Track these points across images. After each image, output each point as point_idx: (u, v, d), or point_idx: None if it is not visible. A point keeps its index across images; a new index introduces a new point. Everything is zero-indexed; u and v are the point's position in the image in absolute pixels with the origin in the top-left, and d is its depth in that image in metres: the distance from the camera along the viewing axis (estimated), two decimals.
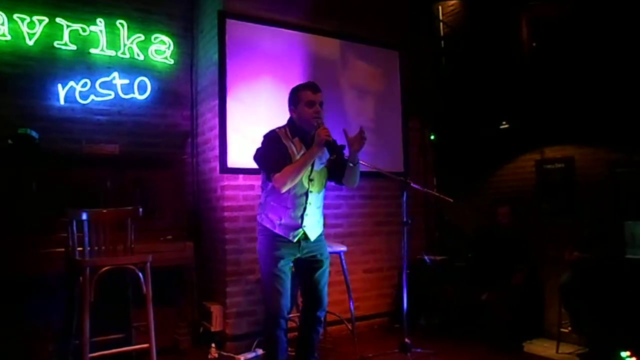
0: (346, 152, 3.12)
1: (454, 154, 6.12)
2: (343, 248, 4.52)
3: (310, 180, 3.13)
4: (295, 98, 3.16)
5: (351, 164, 3.13)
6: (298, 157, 3.06)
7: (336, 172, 3.23)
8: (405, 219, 3.79)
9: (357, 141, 3.06)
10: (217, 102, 4.75)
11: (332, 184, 3.34)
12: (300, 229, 3.13)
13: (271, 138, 3.13)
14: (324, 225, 3.32)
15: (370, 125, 5.50)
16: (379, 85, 5.59)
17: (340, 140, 3.09)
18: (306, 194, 3.12)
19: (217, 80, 4.73)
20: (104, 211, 3.67)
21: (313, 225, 3.19)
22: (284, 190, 3.02)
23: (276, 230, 3.13)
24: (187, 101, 5.27)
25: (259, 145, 3.17)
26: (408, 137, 5.79)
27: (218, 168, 4.73)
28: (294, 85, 3.23)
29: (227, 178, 4.71)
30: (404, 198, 3.78)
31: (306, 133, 3.12)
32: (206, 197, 5.10)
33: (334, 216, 5.23)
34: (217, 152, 4.76)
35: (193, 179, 5.24)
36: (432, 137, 6.27)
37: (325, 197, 3.25)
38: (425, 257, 5.41)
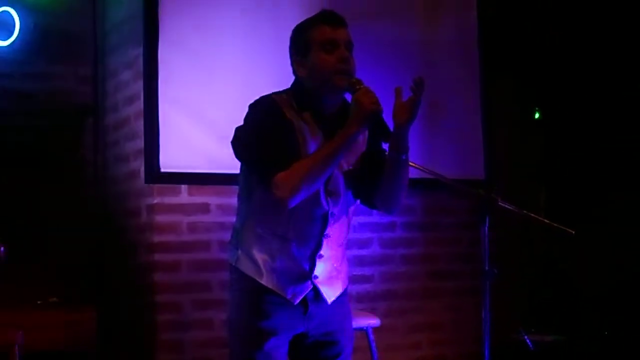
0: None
1: (577, 144, 6.12)
2: (373, 320, 4.51)
3: (330, 193, 3.13)
4: (302, 42, 3.12)
5: (395, 154, 3.11)
6: (311, 143, 3.05)
7: (368, 179, 3.23)
8: (487, 267, 3.78)
9: (406, 106, 3.03)
10: (141, 50, 4.79)
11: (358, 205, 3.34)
12: (309, 282, 3.14)
13: (267, 108, 3.07)
14: (348, 277, 3.33)
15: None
16: (434, 23, 5.64)
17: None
18: (323, 219, 3.13)
19: (143, 10, 4.76)
20: None
21: (331, 276, 3.20)
22: (292, 203, 2.98)
23: (264, 282, 3.11)
24: (87, 50, 5.31)
25: (242, 122, 3.16)
26: (492, 116, 5.81)
27: (143, 173, 4.77)
28: (300, 22, 3.24)
29: (160, 192, 4.76)
30: (486, 228, 3.78)
31: (323, 104, 3.13)
32: (121, 226, 5.12)
33: (357, 261, 5.23)
34: (141, 143, 4.80)
35: (97, 192, 5.27)
36: (537, 115, 6.27)
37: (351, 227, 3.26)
38: (526, 337, 5.39)
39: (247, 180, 3.13)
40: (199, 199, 4.82)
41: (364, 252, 5.31)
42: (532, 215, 4.44)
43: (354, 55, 3.15)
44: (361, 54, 5.21)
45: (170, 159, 4.73)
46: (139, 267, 4.88)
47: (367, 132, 3.11)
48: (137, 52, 4.86)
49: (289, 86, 3.16)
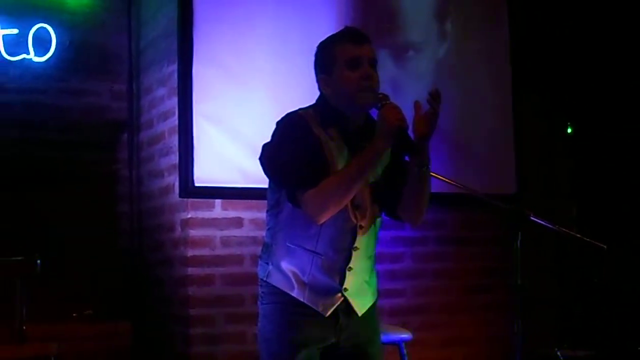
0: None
1: (610, 159, 6.13)
2: (405, 335, 4.52)
3: (357, 207, 3.16)
4: (326, 59, 3.14)
5: (417, 167, 3.14)
6: (338, 158, 3.07)
7: (391, 191, 3.25)
8: (519, 282, 3.78)
9: (424, 119, 3.06)
10: (176, 67, 4.85)
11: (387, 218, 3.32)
12: (340, 294, 3.16)
13: (295, 125, 3.07)
14: (378, 289, 3.36)
15: (449, 106, 5.54)
16: (464, 39, 5.68)
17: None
18: (352, 233, 3.15)
19: (177, 26, 4.82)
20: None
21: (361, 288, 3.20)
22: (322, 219, 3.01)
23: (295, 295, 3.14)
24: (122, 66, 5.36)
25: (270, 138, 3.18)
26: (523, 130, 5.82)
27: (177, 188, 4.82)
28: (323, 39, 3.27)
29: (194, 206, 4.80)
30: (518, 243, 3.78)
31: (348, 120, 3.15)
32: (155, 241, 5.17)
33: (389, 275, 5.24)
34: (175, 159, 4.85)
35: (132, 207, 5.32)
36: (570, 130, 6.26)
37: (379, 240, 3.27)
38: (558, 352, 5.37)
39: (275, 196, 3.15)
40: (232, 214, 4.85)
41: (396, 266, 5.32)
42: (564, 229, 4.43)
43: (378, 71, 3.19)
44: (392, 69, 5.32)
45: (204, 174, 4.77)
46: (173, 281, 4.91)
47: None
48: (171, 69, 4.91)
49: (315, 102, 3.20)
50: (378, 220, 3.26)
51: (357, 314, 3.15)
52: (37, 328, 4.05)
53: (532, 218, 3.89)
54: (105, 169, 5.25)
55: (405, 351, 4.55)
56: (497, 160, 5.72)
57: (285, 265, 3.12)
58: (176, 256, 4.89)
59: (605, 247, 4.05)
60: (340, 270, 3.10)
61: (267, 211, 3.22)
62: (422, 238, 5.42)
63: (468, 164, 5.48)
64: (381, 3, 5.42)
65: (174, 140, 4.86)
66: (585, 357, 5.46)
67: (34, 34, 5.09)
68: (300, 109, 3.14)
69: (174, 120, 4.86)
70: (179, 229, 4.86)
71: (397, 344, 4.49)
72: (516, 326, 3.78)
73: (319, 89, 3.17)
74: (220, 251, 4.81)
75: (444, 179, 3.62)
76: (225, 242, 4.82)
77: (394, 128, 2.90)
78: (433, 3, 5.64)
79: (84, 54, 5.27)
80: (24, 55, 5.07)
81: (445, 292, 5.49)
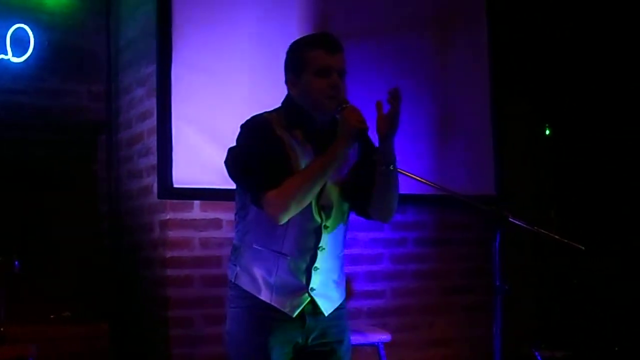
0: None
1: (589, 161, 6.17)
2: (384, 336, 4.54)
3: (322, 207, 3.17)
4: (297, 62, 3.17)
5: (383, 167, 3.16)
6: (302, 159, 3.09)
7: (360, 190, 3.27)
8: (498, 283, 3.79)
9: (386, 118, 3.09)
10: (154, 67, 4.86)
11: (361, 218, 3.33)
12: (306, 295, 3.18)
13: (258, 127, 3.12)
14: (347, 289, 3.36)
15: (431, 110, 5.59)
16: (445, 42, 5.69)
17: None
18: (317, 232, 3.17)
19: (156, 26, 4.83)
20: None
21: (327, 287, 3.22)
22: (283, 219, 3.03)
23: (262, 297, 3.15)
24: (101, 67, 5.35)
25: (234, 142, 3.21)
26: (503, 133, 5.85)
27: (156, 189, 4.83)
28: (294, 40, 3.28)
29: (173, 207, 4.81)
30: (497, 244, 3.80)
31: (314, 120, 3.17)
32: (134, 241, 5.17)
33: (368, 277, 5.27)
34: (154, 159, 4.86)
35: (110, 207, 5.32)
36: (548, 132, 6.29)
37: (351, 241, 3.28)
38: (537, 354, 5.40)
39: (242, 198, 3.18)
40: (211, 215, 4.85)
41: (375, 267, 5.33)
42: (543, 231, 4.45)
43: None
44: (373, 71, 5.32)
45: (183, 175, 4.77)
46: (152, 282, 4.91)
47: (357, 143, 3.15)
48: (150, 70, 4.91)
49: (281, 103, 3.23)
50: (346, 219, 3.29)
51: (323, 314, 3.18)
52: (15, 329, 4.03)
53: (511, 219, 3.91)
54: (84, 169, 5.23)
55: (384, 352, 4.56)
56: (477, 162, 5.75)
57: (252, 267, 3.16)
58: (155, 257, 4.89)
59: (583, 248, 4.08)
60: (307, 270, 3.13)
61: (235, 214, 3.25)
62: (401, 239, 5.44)
63: (448, 166, 5.52)
64: (362, 9, 5.41)
65: (153, 141, 4.86)
66: (563, 357, 5.48)
67: (12, 35, 5.07)
68: (265, 112, 3.18)
69: (153, 121, 4.87)
70: (158, 229, 4.85)
71: (376, 345, 4.51)
72: (495, 327, 3.81)
73: (287, 89, 3.21)
74: (199, 252, 4.82)
75: (423, 180, 3.62)
76: (204, 243, 4.83)
77: (354, 130, 2.96)
78: (414, 7, 5.63)
79: (63, 54, 5.25)
80: (2, 56, 5.05)
81: (425, 293, 5.51)
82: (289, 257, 3.11)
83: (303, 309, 3.14)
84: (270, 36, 5.01)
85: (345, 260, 3.31)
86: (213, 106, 4.86)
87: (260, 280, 3.13)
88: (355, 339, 4.64)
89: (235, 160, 3.17)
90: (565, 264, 5.99)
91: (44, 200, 5.05)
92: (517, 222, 3.95)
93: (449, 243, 5.61)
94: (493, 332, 3.74)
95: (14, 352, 3.74)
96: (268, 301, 3.10)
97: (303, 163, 3.09)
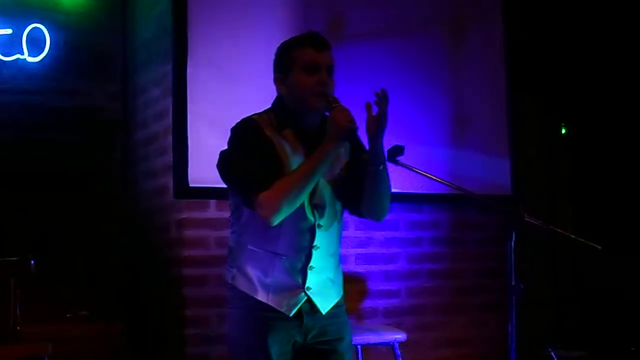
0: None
1: (605, 160, 6.16)
2: (399, 335, 4.52)
3: (315, 206, 3.19)
4: (285, 60, 3.19)
5: (372, 166, 3.18)
6: (293, 160, 3.11)
7: (352, 189, 3.28)
8: (513, 282, 3.78)
9: (374, 119, 3.12)
10: (170, 67, 4.87)
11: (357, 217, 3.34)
12: (302, 294, 3.19)
13: (246, 130, 3.15)
14: (344, 287, 3.37)
15: (447, 110, 5.60)
16: (459, 41, 5.69)
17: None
18: (311, 231, 3.18)
19: (171, 26, 4.84)
20: None
21: (324, 286, 3.24)
22: (275, 220, 3.06)
23: (259, 297, 3.16)
24: (117, 67, 5.37)
25: (226, 146, 3.23)
26: (519, 132, 5.83)
27: (172, 188, 4.84)
28: (285, 40, 3.31)
29: (189, 207, 4.82)
30: (512, 244, 3.79)
31: (304, 120, 3.20)
32: (150, 241, 5.17)
33: (383, 276, 5.27)
34: (170, 159, 4.87)
35: (126, 207, 5.33)
36: (564, 131, 6.27)
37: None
38: (552, 353, 5.39)
39: (235, 200, 3.20)
40: (227, 214, 4.78)
41: (390, 267, 5.31)
42: (559, 230, 4.43)
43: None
44: (389, 72, 5.33)
45: (199, 174, 4.77)
46: (168, 282, 4.91)
47: (348, 143, 3.17)
48: (166, 69, 4.91)
49: (271, 104, 3.26)
50: (340, 218, 3.30)
51: (320, 312, 3.19)
52: (31, 328, 4.04)
53: (526, 219, 3.90)
54: (100, 169, 5.23)
55: (399, 352, 4.55)
56: (493, 162, 5.72)
57: (248, 268, 3.18)
58: (171, 256, 4.90)
59: (600, 247, 4.07)
60: (302, 270, 3.15)
61: (230, 216, 3.28)
62: (417, 239, 5.43)
63: (464, 166, 5.49)
64: (377, 9, 5.41)
65: (169, 141, 4.87)
66: (579, 357, 5.46)
67: (28, 34, 5.11)
68: (254, 114, 3.23)
69: (169, 121, 4.88)
70: (174, 229, 4.86)
71: (391, 344, 4.50)
72: (510, 327, 3.80)
73: (277, 89, 3.24)
74: (215, 251, 4.80)
75: (439, 179, 3.63)
76: (220, 242, 4.81)
77: (344, 129, 2.99)
78: (429, 7, 5.63)
79: (78, 54, 5.28)
80: (18, 56, 5.09)
81: (440, 293, 5.49)
82: (284, 257, 3.13)
83: (300, 307, 3.16)
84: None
85: (341, 258, 3.33)
86: (229, 105, 4.84)
87: (256, 281, 3.15)
88: (371, 338, 4.67)
89: (225, 164, 3.21)
90: (581, 264, 5.97)
91: (60, 200, 5.06)
92: (532, 221, 3.95)
93: (465, 243, 5.59)
94: (508, 331, 3.75)
95: (30, 351, 3.75)
96: (265, 301, 3.12)
97: (294, 163, 3.12)
